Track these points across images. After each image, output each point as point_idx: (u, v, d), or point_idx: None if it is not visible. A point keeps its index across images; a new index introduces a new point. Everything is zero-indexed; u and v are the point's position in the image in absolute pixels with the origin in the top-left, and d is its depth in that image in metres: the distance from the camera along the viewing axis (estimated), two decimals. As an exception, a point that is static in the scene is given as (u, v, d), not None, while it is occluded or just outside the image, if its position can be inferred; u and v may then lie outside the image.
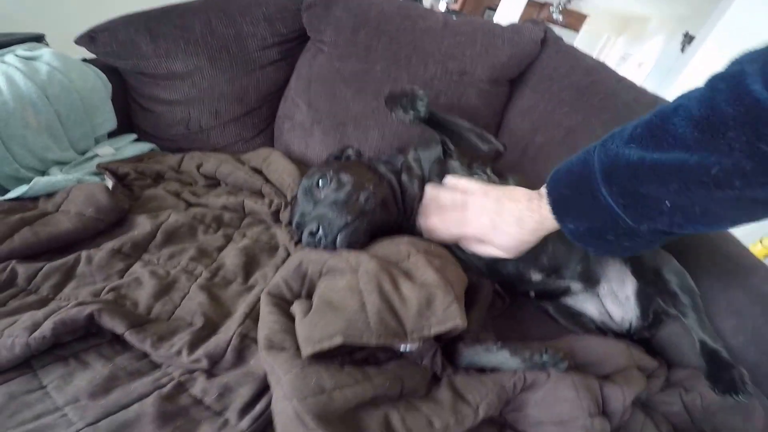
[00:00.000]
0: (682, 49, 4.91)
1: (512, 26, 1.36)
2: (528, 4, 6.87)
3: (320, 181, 0.93)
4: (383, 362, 0.73)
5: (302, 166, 1.21)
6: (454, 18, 1.39)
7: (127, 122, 1.30)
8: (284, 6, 1.34)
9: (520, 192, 0.78)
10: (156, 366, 0.65)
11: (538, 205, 0.73)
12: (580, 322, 1.08)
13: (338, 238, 0.83)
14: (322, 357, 0.65)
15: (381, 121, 1.30)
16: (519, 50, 1.32)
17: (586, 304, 1.10)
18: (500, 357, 0.79)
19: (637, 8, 7.96)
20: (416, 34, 1.30)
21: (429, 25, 1.32)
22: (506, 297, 1.04)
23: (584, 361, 0.89)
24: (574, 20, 9.65)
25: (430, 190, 0.94)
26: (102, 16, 1.22)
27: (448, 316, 0.69)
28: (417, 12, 1.34)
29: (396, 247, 0.84)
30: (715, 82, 0.51)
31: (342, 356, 0.69)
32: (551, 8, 9.17)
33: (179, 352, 0.64)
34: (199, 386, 0.62)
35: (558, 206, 0.69)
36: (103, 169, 1.03)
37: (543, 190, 0.72)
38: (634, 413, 0.82)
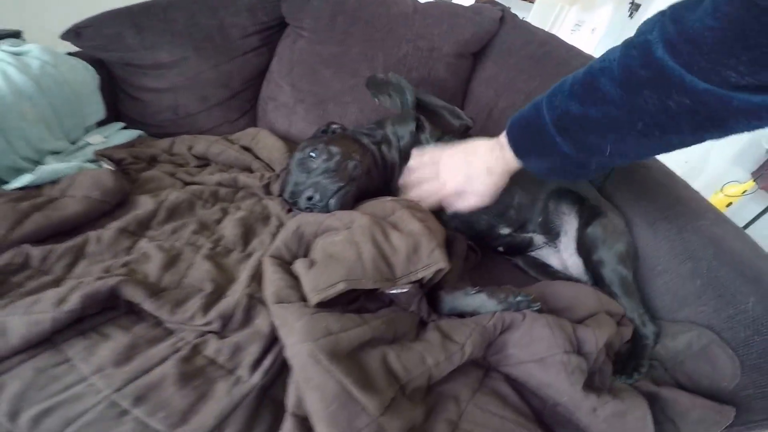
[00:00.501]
0: (630, 15, 5.00)
1: (473, 7, 1.41)
2: (484, -23, 6.84)
3: (312, 152, 0.96)
4: (375, 311, 0.75)
5: (288, 142, 1.22)
6: (422, 1, 1.42)
7: (114, 111, 1.27)
8: (264, -3, 1.32)
9: (480, 145, 0.83)
10: (170, 332, 0.65)
11: (501, 153, 0.78)
12: (547, 272, 1.12)
13: (332, 202, 0.86)
14: (324, 306, 0.68)
15: (359, 97, 1.31)
16: (480, 28, 1.36)
17: (550, 257, 1.14)
18: (478, 300, 0.81)
19: None
20: (390, 19, 1.33)
21: (401, 9, 1.35)
22: (479, 251, 1.07)
23: (556, 306, 0.92)
24: None
25: (405, 172, 0.98)
26: (76, 11, 1.19)
27: (433, 260, 0.73)
28: (389, -1, 1.36)
29: (382, 204, 0.87)
30: (628, 49, 0.57)
31: (341, 306, 0.71)
32: None
33: (193, 316, 0.65)
34: (212, 347, 0.63)
35: (520, 151, 0.75)
36: (101, 155, 1.00)
37: (502, 139, 0.77)
38: (607, 363, 0.85)
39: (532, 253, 1.15)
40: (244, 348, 0.63)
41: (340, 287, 0.65)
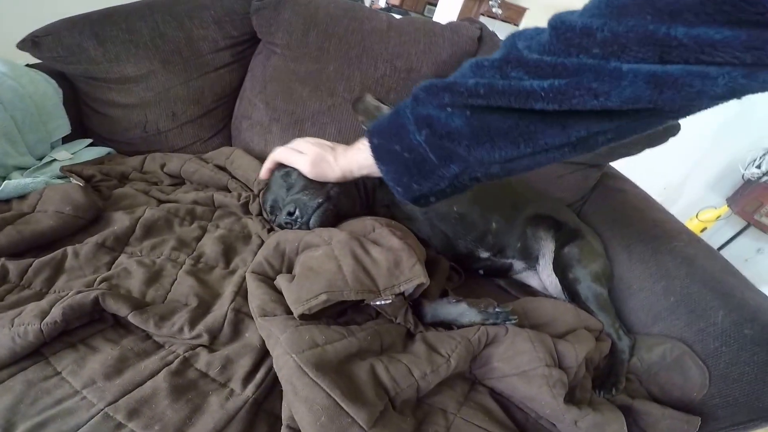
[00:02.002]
0: None
1: (451, 25, 1.47)
2: (467, -1, 7.07)
3: (292, 170, 1.02)
4: (362, 323, 0.82)
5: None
6: (397, 17, 1.49)
7: (80, 127, 1.31)
8: (232, 9, 1.38)
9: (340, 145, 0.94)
10: (160, 345, 0.70)
11: (344, 149, 0.89)
12: (528, 291, 1.23)
13: (312, 218, 0.94)
14: (310, 319, 0.74)
15: (337, 117, 1.38)
16: (458, 48, 1.43)
17: (529, 279, 1.27)
18: (459, 308, 0.90)
19: (574, 1, 8.32)
20: (364, 35, 1.38)
21: (375, 25, 1.40)
22: (461, 272, 1.17)
23: (537, 322, 1.00)
24: (514, 13, 9.98)
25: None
26: (33, 20, 1.21)
27: (414, 274, 0.80)
28: (363, 13, 1.42)
29: (362, 222, 0.95)
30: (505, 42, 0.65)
31: (327, 319, 0.78)
32: (491, 2, 9.43)
33: (181, 329, 0.70)
34: (203, 360, 0.68)
35: (372, 129, 0.78)
36: (68, 171, 1.04)
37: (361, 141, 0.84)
38: (587, 377, 0.92)
39: (514, 276, 1.28)
40: (235, 361, 0.69)
41: (322, 298, 0.71)
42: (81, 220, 0.88)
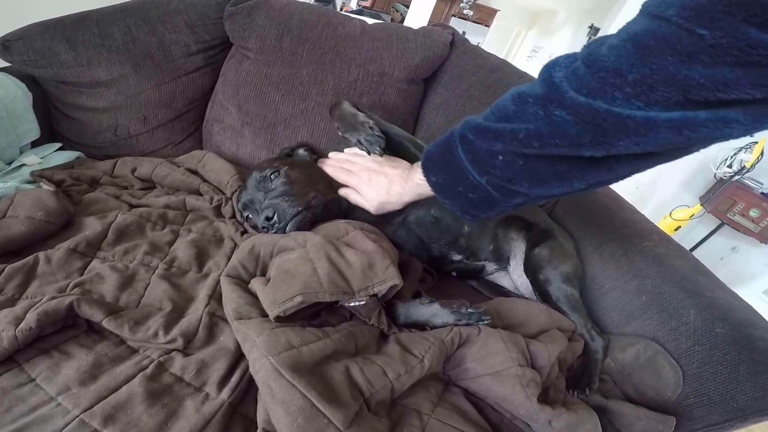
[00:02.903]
0: (589, 39, 5.31)
1: (423, 30, 1.52)
2: (439, 0, 7.09)
3: (272, 174, 1.06)
4: (336, 324, 0.85)
5: (236, 166, 1.29)
6: (370, 23, 1.53)
7: (49, 131, 1.31)
8: (205, 14, 1.39)
9: (400, 162, 1.01)
10: (135, 350, 0.72)
11: (409, 174, 0.95)
12: (501, 292, 1.26)
13: (289, 225, 0.96)
14: (285, 321, 0.76)
15: (310, 121, 1.40)
16: (430, 52, 1.47)
17: (501, 279, 1.30)
18: (432, 309, 0.92)
19: (545, 2, 8.52)
20: (338, 40, 1.41)
21: (348, 31, 1.44)
22: (434, 274, 1.21)
23: (510, 322, 1.03)
24: (485, 15, 10.21)
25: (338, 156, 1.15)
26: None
27: (388, 276, 0.84)
28: (336, 19, 1.46)
29: (335, 226, 0.98)
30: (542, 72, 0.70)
31: (301, 321, 0.80)
32: (462, 3, 9.54)
33: (156, 334, 0.71)
34: (177, 365, 0.69)
35: (426, 165, 0.87)
36: (39, 176, 1.04)
37: (417, 163, 0.92)
38: (561, 378, 0.95)
39: (486, 277, 1.31)
40: (210, 365, 0.70)
41: (298, 300, 0.73)
42: (53, 225, 0.89)
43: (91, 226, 0.92)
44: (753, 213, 3.50)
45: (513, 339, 0.88)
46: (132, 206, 1.07)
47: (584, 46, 0.65)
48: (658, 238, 1.24)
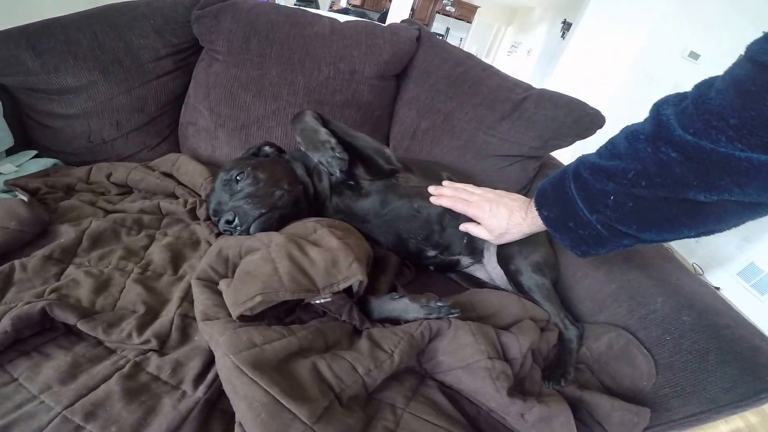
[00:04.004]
0: (563, 36, 5.40)
1: (390, 27, 1.55)
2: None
3: (238, 175, 1.07)
4: (308, 321, 0.88)
5: (211, 167, 1.32)
6: (341, 20, 1.56)
7: (24, 139, 1.32)
8: (172, 18, 1.41)
9: (517, 195, 1.03)
10: (112, 351, 0.75)
11: (528, 206, 0.96)
12: (478, 283, 1.29)
13: (252, 227, 0.98)
14: (252, 320, 0.79)
15: (283, 120, 1.44)
16: (398, 48, 1.51)
17: (477, 271, 1.34)
18: (402, 304, 0.95)
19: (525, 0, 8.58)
20: (306, 40, 1.44)
21: (317, 30, 1.46)
22: (412, 268, 1.24)
23: (484, 313, 1.06)
24: (467, 11, 10.47)
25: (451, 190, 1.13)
26: None
27: (352, 272, 0.86)
28: (305, 19, 1.48)
29: (304, 225, 1.00)
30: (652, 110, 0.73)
31: (270, 319, 0.83)
32: (444, 0, 9.62)
33: (129, 335, 0.75)
34: (153, 364, 0.73)
35: (539, 200, 0.91)
36: (14, 185, 1.07)
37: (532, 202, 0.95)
38: (536, 369, 0.96)
39: (463, 270, 1.34)
40: (185, 363, 0.74)
41: (258, 300, 0.75)
42: (26, 234, 0.92)
43: (66, 233, 0.95)
44: None
45: (483, 331, 0.90)
46: (107, 212, 1.10)
47: (695, 86, 0.68)
48: None
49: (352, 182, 1.19)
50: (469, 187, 1.10)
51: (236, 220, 0.97)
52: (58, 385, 0.65)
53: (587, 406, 0.92)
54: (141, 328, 0.76)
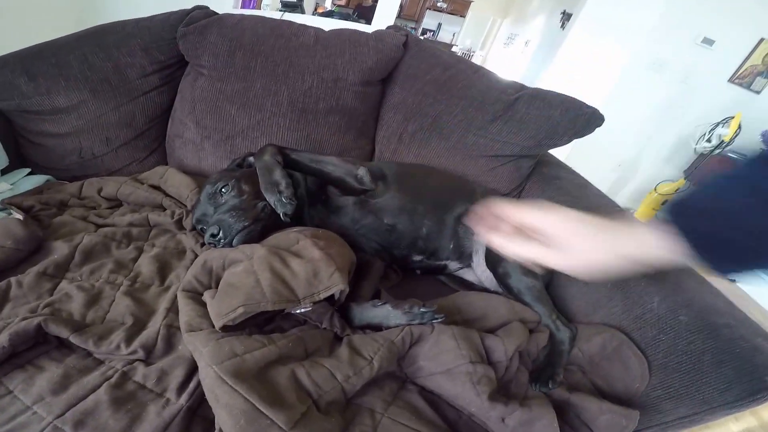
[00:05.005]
0: (562, 26, 5.47)
1: (376, 34, 1.63)
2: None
3: (223, 188, 1.12)
4: (288, 329, 0.93)
5: (197, 178, 1.40)
6: (326, 30, 1.63)
7: (18, 157, 1.41)
8: (159, 36, 1.50)
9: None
10: (101, 362, 0.82)
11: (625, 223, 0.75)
12: (468, 285, 1.33)
13: (235, 239, 1.03)
14: (235, 330, 0.84)
15: (267, 130, 1.51)
16: (383, 55, 1.58)
17: (466, 274, 1.37)
18: (384, 311, 0.99)
19: None
20: (290, 51, 1.52)
21: (302, 41, 1.54)
22: (399, 271, 1.29)
23: (470, 317, 1.09)
24: (460, 6, 10.60)
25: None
26: None
27: (333, 282, 0.90)
28: (290, 30, 1.56)
29: (287, 236, 1.05)
30: None
31: (251, 328, 0.89)
32: None
33: (118, 347, 0.82)
34: (140, 373, 0.80)
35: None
36: (9, 204, 1.16)
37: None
38: (523, 371, 0.99)
39: (452, 273, 1.38)
40: (169, 372, 0.80)
41: (240, 311, 0.81)
42: (22, 252, 1.00)
43: (59, 249, 1.03)
44: None
45: (465, 335, 0.93)
46: (98, 226, 1.18)
47: None
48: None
49: (324, 197, 1.24)
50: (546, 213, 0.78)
51: (220, 233, 1.02)
52: (50, 396, 0.72)
53: (575, 408, 0.92)
54: (129, 339, 0.83)
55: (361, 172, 1.26)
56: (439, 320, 0.97)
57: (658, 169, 4.64)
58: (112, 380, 0.77)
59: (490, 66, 10.54)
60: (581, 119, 1.48)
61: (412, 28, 10.25)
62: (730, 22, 3.92)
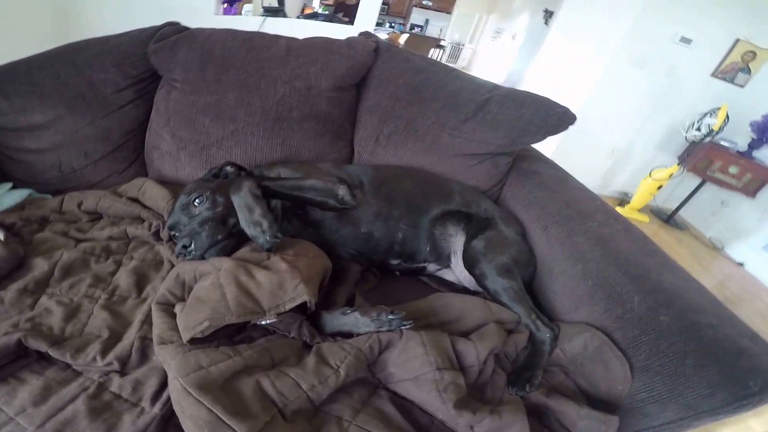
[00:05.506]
0: (546, 23, 5.70)
1: (347, 41, 1.71)
2: (398, -9, 7.47)
3: (197, 199, 1.15)
4: (258, 338, 0.97)
5: (176, 188, 1.45)
6: (300, 39, 1.69)
7: (0, 172, 1.47)
8: (131, 52, 1.57)
9: None
10: (79, 373, 0.89)
11: None
12: (448, 285, 1.39)
13: (208, 253, 1.08)
14: (204, 341, 0.89)
15: (241, 140, 1.56)
16: (354, 61, 1.66)
17: (446, 274, 1.42)
18: (352, 318, 1.02)
19: None
20: (262, 63, 1.58)
21: (273, 52, 1.61)
22: (377, 273, 1.34)
23: (445, 319, 1.12)
24: (446, 3, 11.00)
25: None
26: None
27: (298, 294, 0.95)
28: (261, 42, 1.63)
29: (257, 252, 1.10)
30: None
31: (220, 339, 0.93)
32: None
33: (94, 359, 0.89)
34: (116, 384, 0.86)
35: None
36: (-9, 223, 1.22)
37: None
38: (499, 374, 1.01)
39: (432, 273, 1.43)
40: (144, 382, 0.87)
41: (206, 324, 0.86)
42: (3, 270, 1.06)
43: (39, 266, 1.10)
44: (732, 170, 3.92)
45: (435, 341, 0.95)
46: (79, 241, 1.24)
47: None
48: (603, 217, 1.29)
49: (300, 211, 1.28)
50: None
51: (192, 245, 1.06)
52: (31, 407, 0.78)
53: (553, 413, 0.94)
54: (104, 351, 0.89)
55: (342, 191, 1.27)
56: (407, 327, 0.99)
57: (652, 156, 4.79)
58: (89, 391, 0.84)
59: (480, 59, 10.77)
60: (552, 118, 1.54)
61: (400, 24, 10.86)
62: (705, 22, 4.10)
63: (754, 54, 4.27)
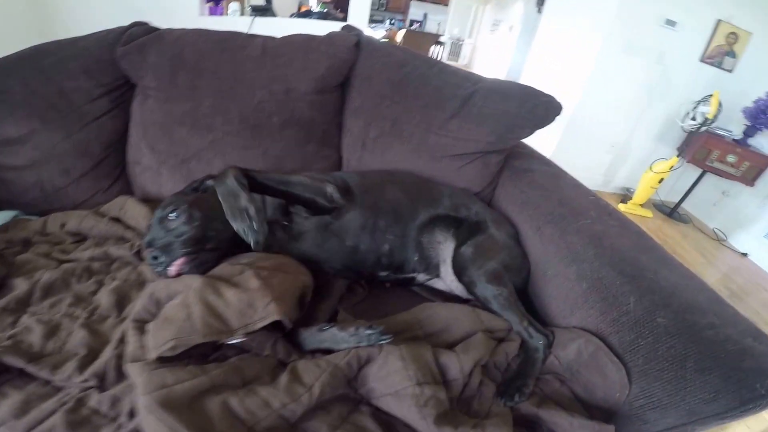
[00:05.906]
0: (539, 10, 5.96)
1: (326, 37, 1.72)
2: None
3: (172, 213, 1.19)
4: (231, 356, 1.02)
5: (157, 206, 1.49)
6: (277, 38, 1.72)
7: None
8: (98, 57, 1.61)
9: None
10: (59, 389, 0.97)
11: None
12: (440, 294, 1.44)
13: (186, 267, 1.13)
14: (174, 360, 0.95)
15: (221, 150, 1.61)
16: (336, 59, 1.68)
17: (436, 283, 1.47)
18: (330, 334, 1.06)
19: None
20: (236, 65, 1.61)
21: (248, 53, 1.63)
22: (365, 286, 1.39)
23: (432, 330, 1.16)
24: None
25: None
26: None
27: (268, 313, 1.00)
28: (235, 43, 1.66)
29: (232, 267, 1.14)
30: None
31: (192, 358, 0.98)
32: None
33: (70, 376, 0.97)
34: (94, 400, 0.94)
35: None
36: (-26, 246, 1.33)
37: None
38: (487, 385, 1.03)
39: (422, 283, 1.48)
40: (122, 398, 0.94)
41: (170, 345, 0.91)
42: None
43: (19, 286, 1.21)
44: (730, 159, 4.14)
45: (415, 355, 0.98)
46: (61, 262, 1.35)
47: None
48: (596, 213, 1.31)
49: (286, 222, 1.31)
50: None
51: (162, 257, 1.10)
52: (12, 420, 0.86)
53: (545, 423, 0.96)
54: (81, 368, 0.97)
55: (330, 189, 1.32)
56: (387, 340, 1.02)
57: (652, 148, 5.01)
58: (68, 405, 0.92)
59: (480, 55, 11.25)
60: (539, 109, 1.56)
61: (400, 20, 11.66)
62: (687, 2, 4.25)
63: (737, 36, 4.56)
